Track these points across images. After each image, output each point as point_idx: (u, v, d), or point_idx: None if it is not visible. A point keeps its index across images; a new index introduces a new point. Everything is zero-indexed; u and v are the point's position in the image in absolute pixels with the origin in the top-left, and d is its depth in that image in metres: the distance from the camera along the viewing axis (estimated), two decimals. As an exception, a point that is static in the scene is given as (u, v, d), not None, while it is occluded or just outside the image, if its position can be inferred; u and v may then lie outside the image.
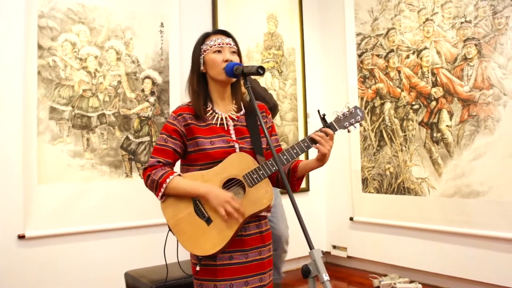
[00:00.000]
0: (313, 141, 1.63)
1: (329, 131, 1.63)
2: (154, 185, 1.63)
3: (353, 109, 1.69)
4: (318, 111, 1.68)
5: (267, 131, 1.69)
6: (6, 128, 2.83)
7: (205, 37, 1.74)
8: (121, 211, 3.23)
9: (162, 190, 1.61)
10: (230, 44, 1.71)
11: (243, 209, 1.56)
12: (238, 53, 1.74)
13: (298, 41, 4.38)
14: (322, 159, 1.65)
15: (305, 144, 1.63)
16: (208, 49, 1.70)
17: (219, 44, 1.69)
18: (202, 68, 1.72)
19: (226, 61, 1.67)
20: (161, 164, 1.65)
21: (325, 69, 4.56)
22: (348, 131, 1.71)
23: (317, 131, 1.65)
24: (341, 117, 1.68)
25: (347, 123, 1.68)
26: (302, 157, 1.61)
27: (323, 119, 1.66)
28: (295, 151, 1.62)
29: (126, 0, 3.33)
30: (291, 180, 1.74)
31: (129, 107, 3.32)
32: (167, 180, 1.60)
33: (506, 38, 3.10)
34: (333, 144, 1.65)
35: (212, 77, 1.71)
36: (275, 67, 4.21)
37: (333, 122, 1.67)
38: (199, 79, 1.72)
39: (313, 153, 1.66)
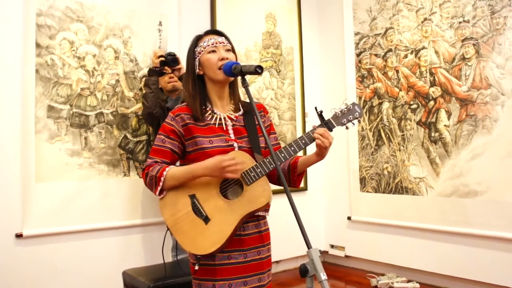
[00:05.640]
0: (312, 139, 1.63)
1: (326, 130, 1.63)
2: (153, 181, 1.63)
3: (351, 105, 1.69)
4: (316, 108, 1.68)
5: (266, 130, 1.69)
6: (4, 127, 2.82)
7: (197, 39, 1.74)
8: (119, 210, 3.22)
9: (161, 183, 1.61)
10: (224, 43, 1.71)
11: (239, 204, 1.57)
12: (233, 50, 1.74)
13: (297, 40, 4.38)
14: (322, 154, 1.65)
15: (303, 141, 1.63)
16: (202, 51, 1.70)
17: (213, 44, 1.69)
18: (198, 70, 1.71)
19: (222, 59, 1.67)
20: (158, 163, 1.65)
21: (323, 68, 4.56)
22: (346, 128, 1.70)
23: (313, 129, 1.65)
24: (339, 114, 1.68)
25: (345, 119, 1.67)
26: (300, 153, 1.62)
27: (320, 116, 1.66)
28: (292, 148, 1.62)
29: (125, -1, 3.33)
30: (291, 177, 1.74)
31: (127, 106, 3.31)
32: (164, 173, 1.60)
33: (504, 38, 3.10)
34: (333, 139, 1.65)
35: (210, 78, 1.71)
36: (274, 66, 4.20)
37: (330, 119, 1.67)
38: (195, 82, 1.72)
39: (311, 148, 1.65)
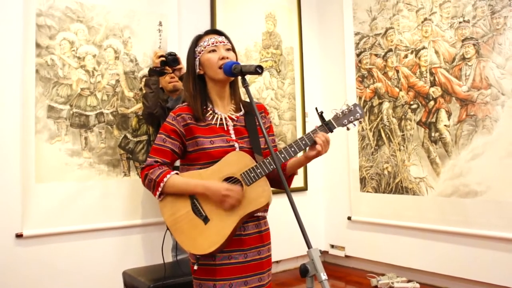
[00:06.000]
0: (312, 140, 1.62)
1: (327, 137, 1.63)
2: (151, 184, 1.63)
3: (352, 106, 1.68)
4: (316, 108, 1.68)
5: (265, 131, 1.69)
6: (3, 127, 2.82)
7: (197, 39, 1.74)
8: (119, 210, 3.22)
9: (160, 189, 1.61)
10: (224, 42, 1.71)
11: (242, 201, 1.57)
12: (233, 50, 1.74)
13: (297, 40, 4.38)
14: (312, 158, 1.65)
15: (303, 142, 1.62)
16: (202, 50, 1.70)
17: (213, 44, 1.69)
18: (198, 70, 1.71)
19: (222, 58, 1.66)
20: (158, 164, 1.66)
21: (323, 68, 4.56)
22: (347, 129, 1.70)
23: (314, 130, 1.64)
24: (340, 114, 1.68)
25: (345, 120, 1.67)
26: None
27: (321, 116, 1.65)
28: (292, 149, 1.62)
29: (125, -1, 3.33)
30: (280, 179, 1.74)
31: (127, 106, 3.31)
32: (165, 179, 1.61)
33: (504, 38, 3.10)
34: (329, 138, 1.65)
35: (210, 77, 1.71)
36: (274, 66, 4.20)
37: (331, 120, 1.67)
38: (195, 82, 1.72)
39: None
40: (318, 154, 1.62)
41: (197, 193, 1.61)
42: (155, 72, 3.09)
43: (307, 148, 1.66)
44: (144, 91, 3.23)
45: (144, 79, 3.29)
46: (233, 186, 1.58)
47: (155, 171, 1.63)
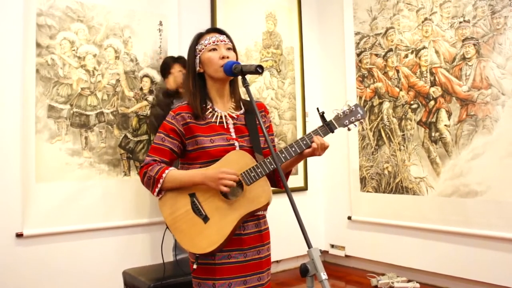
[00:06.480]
0: (312, 140, 1.63)
1: (326, 143, 1.63)
2: (151, 182, 1.63)
3: (353, 107, 1.68)
4: (317, 109, 1.67)
5: (265, 130, 1.69)
6: (4, 126, 2.82)
7: (199, 37, 1.74)
8: (119, 209, 3.23)
9: (159, 185, 1.61)
10: (225, 41, 1.71)
11: (240, 204, 1.58)
12: (234, 49, 1.74)
13: (297, 40, 4.38)
14: (306, 156, 1.66)
15: (304, 142, 1.62)
16: (203, 49, 1.69)
17: (213, 42, 1.69)
18: (198, 68, 1.71)
19: (223, 57, 1.66)
20: (156, 162, 1.65)
21: (323, 68, 4.56)
22: (348, 129, 1.70)
23: (316, 131, 1.64)
24: (341, 115, 1.68)
25: (347, 121, 1.67)
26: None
27: (322, 117, 1.65)
28: (293, 149, 1.62)
29: (125, -1, 3.33)
30: (275, 178, 1.75)
31: (128, 106, 3.31)
32: (163, 175, 1.60)
33: (505, 38, 3.10)
34: (329, 145, 1.66)
35: (210, 76, 1.70)
36: (274, 66, 4.20)
37: (332, 120, 1.67)
38: (195, 80, 1.71)
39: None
40: (313, 152, 1.62)
41: (196, 183, 1.60)
42: (169, 96, 3.10)
43: None
44: (156, 111, 3.14)
45: (155, 98, 3.24)
46: (225, 169, 1.57)
47: (154, 168, 1.63)
